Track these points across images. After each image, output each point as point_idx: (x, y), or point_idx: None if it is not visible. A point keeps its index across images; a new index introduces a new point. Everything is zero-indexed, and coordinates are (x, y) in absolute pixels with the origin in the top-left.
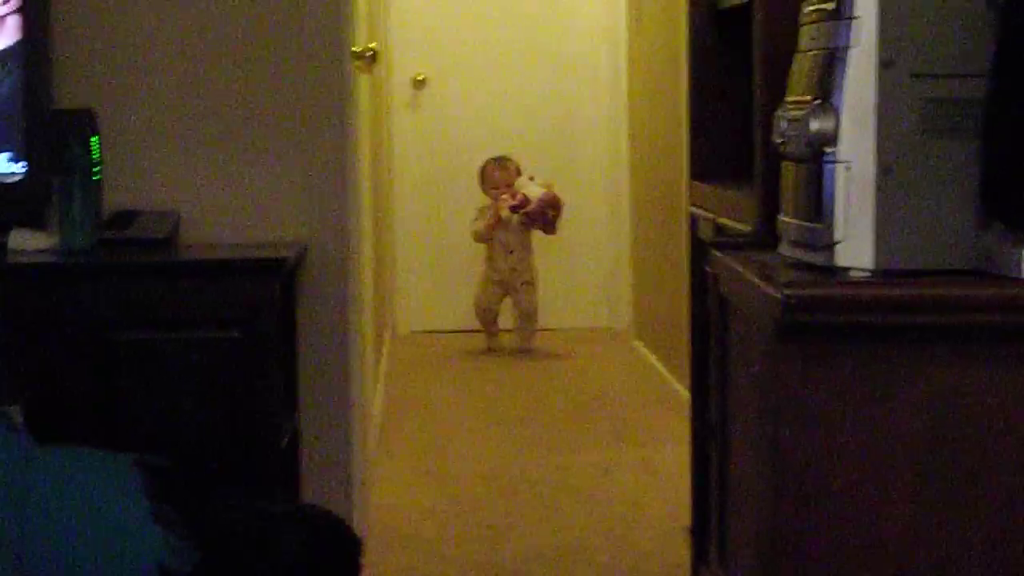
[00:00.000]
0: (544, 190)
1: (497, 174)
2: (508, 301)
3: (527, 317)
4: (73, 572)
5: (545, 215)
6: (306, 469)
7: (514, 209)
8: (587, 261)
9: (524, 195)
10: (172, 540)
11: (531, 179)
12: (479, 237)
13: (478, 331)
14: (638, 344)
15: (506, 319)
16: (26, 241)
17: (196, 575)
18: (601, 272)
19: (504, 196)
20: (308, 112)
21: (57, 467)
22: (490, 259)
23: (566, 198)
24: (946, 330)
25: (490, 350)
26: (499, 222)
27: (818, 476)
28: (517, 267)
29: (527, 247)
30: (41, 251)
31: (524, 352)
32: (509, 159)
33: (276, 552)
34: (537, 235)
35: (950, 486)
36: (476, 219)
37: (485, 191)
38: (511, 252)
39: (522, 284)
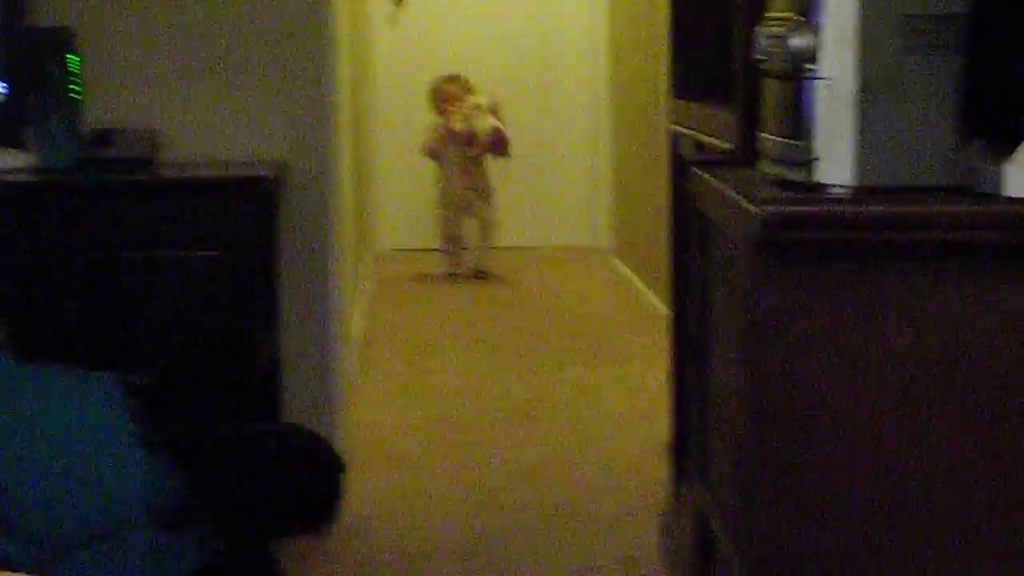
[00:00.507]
0: (492, 124)
1: (447, 86)
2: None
3: (486, 230)
4: (53, 487)
5: (495, 148)
6: (287, 387)
7: (466, 143)
8: (567, 180)
9: (472, 129)
10: (158, 468)
11: (478, 107)
12: (427, 149)
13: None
14: (618, 262)
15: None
16: (5, 160)
17: (182, 509)
18: (581, 191)
19: (452, 109)
20: (288, 30)
21: (39, 385)
22: (443, 179)
23: (545, 119)
24: (927, 246)
25: (453, 276)
26: (450, 135)
27: (800, 394)
28: (472, 184)
29: (479, 160)
30: (20, 170)
31: (480, 275)
32: (459, 75)
33: (261, 474)
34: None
35: (934, 402)
36: (427, 135)
37: (437, 106)
38: (466, 166)
39: (478, 197)
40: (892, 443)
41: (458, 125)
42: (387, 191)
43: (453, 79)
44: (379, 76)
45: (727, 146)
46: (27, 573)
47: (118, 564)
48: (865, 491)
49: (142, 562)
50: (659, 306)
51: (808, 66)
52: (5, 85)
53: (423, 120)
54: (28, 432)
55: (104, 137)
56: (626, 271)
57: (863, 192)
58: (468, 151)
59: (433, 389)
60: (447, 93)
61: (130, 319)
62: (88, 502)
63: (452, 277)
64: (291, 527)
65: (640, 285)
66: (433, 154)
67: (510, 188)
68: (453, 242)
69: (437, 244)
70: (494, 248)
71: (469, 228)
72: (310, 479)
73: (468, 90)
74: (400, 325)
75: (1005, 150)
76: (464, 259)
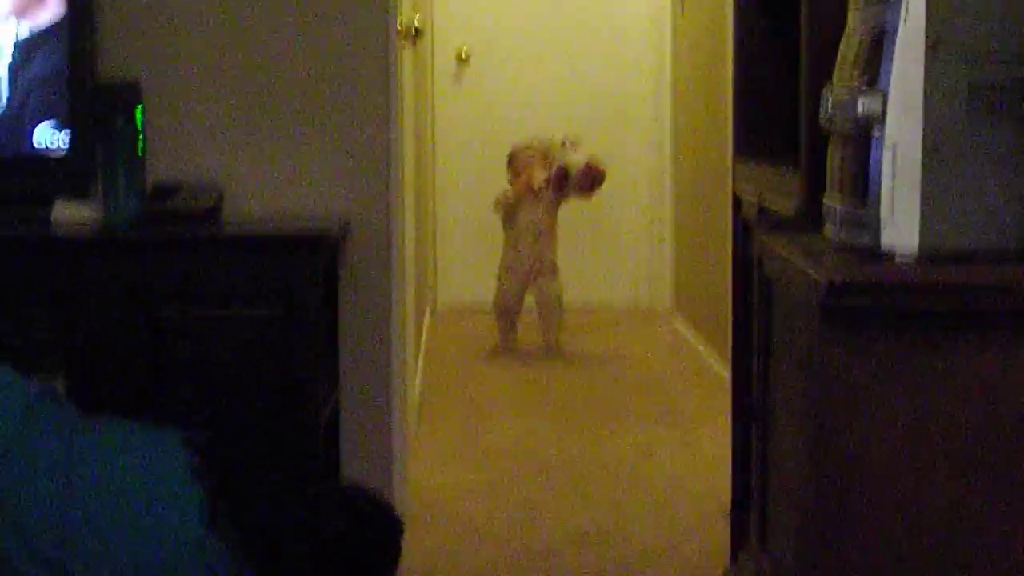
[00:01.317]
0: (583, 158)
1: (523, 153)
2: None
3: (554, 305)
4: (113, 545)
5: (590, 182)
6: (346, 446)
7: (555, 184)
8: (629, 239)
9: (562, 166)
10: (215, 540)
11: (564, 144)
12: (502, 205)
13: None
14: (679, 323)
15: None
16: (70, 213)
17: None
18: (642, 251)
19: (530, 170)
20: (352, 87)
21: (103, 439)
22: (512, 246)
23: (608, 177)
24: (992, 315)
25: (508, 351)
26: (529, 193)
27: (860, 461)
28: (544, 253)
29: (554, 232)
30: (84, 223)
31: (549, 350)
32: (535, 142)
33: (319, 536)
34: (566, 219)
35: (992, 473)
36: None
37: (513, 173)
38: (540, 235)
39: (549, 270)
40: (956, 515)
41: (537, 181)
42: (448, 249)
43: (529, 144)
44: (441, 132)
45: (791, 209)
46: None
47: None
48: (926, 563)
49: None
50: (720, 368)
51: (875, 128)
52: (69, 136)
53: (484, 176)
54: (91, 487)
55: (167, 191)
56: (686, 332)
57: (928, 257)
58: (548, 221)
59: (490, 450)
60: (523, 160)
61: (191, 375)
62: (144, 555)
63: (506, 352)
64: None
65: (700, 346)
66: (505, 212)
67: (571, 247)
68: (509, 316)
69: (497, 321)
70: (560, 322)
71: (528, 302)
72: (370, 542)
73: (545, 155)
74: (458, 385)
75: None
76: (517, 334)
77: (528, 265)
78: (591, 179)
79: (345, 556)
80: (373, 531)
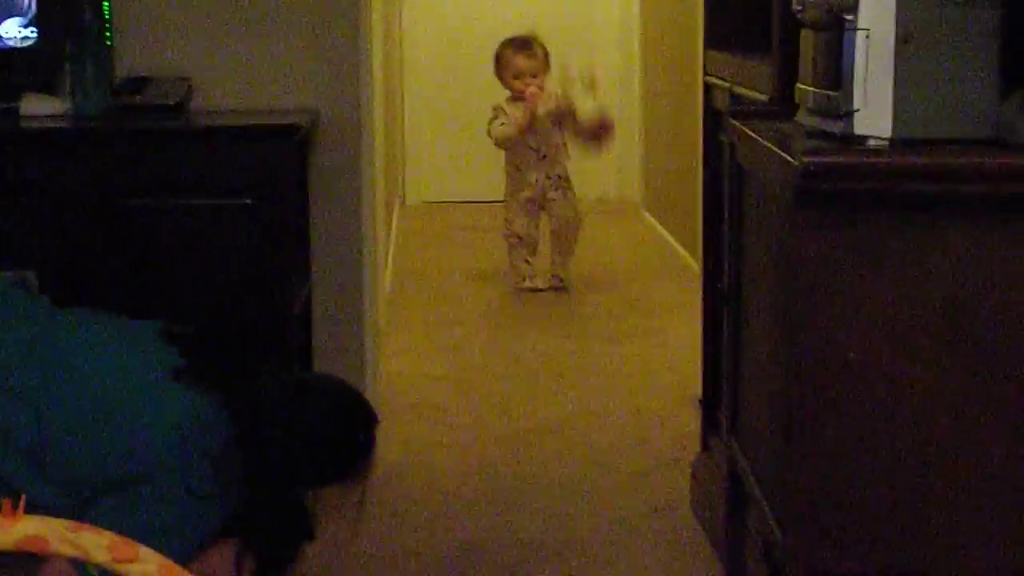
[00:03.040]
0: (597, 105)
1: (520, 61)
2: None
3: (570, 226)
4: (91, 429)
5: (596, 136)
6: (318, 336)
7: (557, 123)
8: None
9: (570, 107)
10: (198, 408)
11: (576, 78)
12: (505, 141)
13: (487, 202)
14: (648, 216)
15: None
16: (38, 106)
17: (228, 450)
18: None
19: (532, 89)
20: None
21: (79, 327)
22: (516, 171)
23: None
24: (964, 199)
25: (531, 291)
26: (529, 130)
27: (835, 346)
28: (552, 173)
29: (560, 146)
30: (53, 116)
31: (559, 286)
32: (536, 40)
33: (301, 426)
34: None
35: (969, 354)
36: (495, 119)
37: (504, 80)
38: (543, 156)
39: (557, 189)
40: (925, 394)
41: (542, 108)
42: (416, 143)
43: (525, 47)
44: (409, 25)
45: (763, 97)
46: (60, 518)
47: (148, 509)
48: (897, 442)
49: (172, 508)
50: (689, 259)
51: (847, 17)
52: (36, 31)
53: (453, 71)
54: (67, 376)
55: (136, 84)
56: (655, 224)
57: (901, 144)
58: (555, 136)
59: (460, 341)
60: (518, 68)
61: (161, 267)
62: (124, 446)
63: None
64: (324, 480)
65: (670, 238)
66: (510, 146)
67: None
68: (528, 248)
69: (508, 253)
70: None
71: (544, 227)
72: (346, 433)
73: (546, 64)
74: (427, 278)
75: None
76: (538, 268)
77: (536, 189)
78: (602, 135)
79: (322, 447)
80: (350, 424)
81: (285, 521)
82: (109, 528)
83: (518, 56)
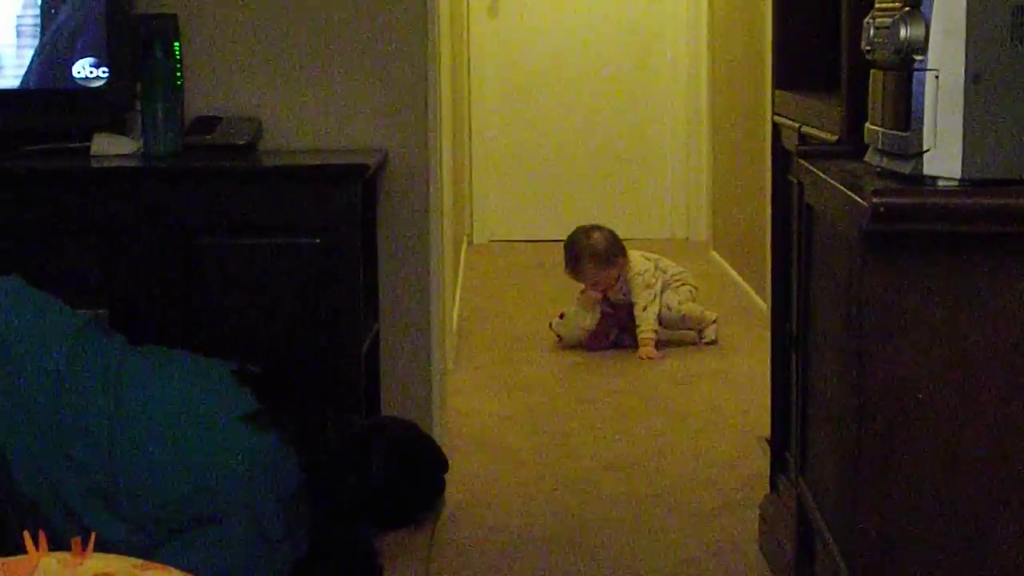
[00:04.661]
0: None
1: (585, 268)
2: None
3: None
4: (162, 468)
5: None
6: (386, 376)
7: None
8: (665, 171)
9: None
10: (269, 451)
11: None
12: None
13: (554, 241)
14: (716, 255)
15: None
16: (110, 146)
17: (298, 494)
18: (680, 184)
19: (591, 293)
20: (389, 19)
21: (154, 366)
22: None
23: (643, 108)
24: None
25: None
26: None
27: (903, 387)
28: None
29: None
30: (124, 156)
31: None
32: (596, 234)
33: (367, 468)
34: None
35: None
36: (577, 312)
37: (571, 273)
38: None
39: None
40: (998, 438)
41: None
42: (484, 183)
43: (575, 271)
44: (477, 65)
45: (832, 137)
46: (132, 556)
47: (216, 550)
48: (969, 487)
49: (241, 550)
50: (756, 299)
51: (916, 57)
52: (108, 71)
53: (520, 110)
54: (139, 414)
55: (207, 124)
56: (723, 264)
57: (971, 184)
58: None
59: (527, 380)
60: (582, 273)
61: (230, 307)
62: (195, 486)
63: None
64: (394, 523)
65: (737, 278)
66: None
67: (607, 179)
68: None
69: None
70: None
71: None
72: (416, 476)
73: (607, 262)
74: (494, 316)
75: None
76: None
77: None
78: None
79: (392, 491)
80: (420, 466)
81: (353, 565)
82: (177, 567)
83: (567, 271)
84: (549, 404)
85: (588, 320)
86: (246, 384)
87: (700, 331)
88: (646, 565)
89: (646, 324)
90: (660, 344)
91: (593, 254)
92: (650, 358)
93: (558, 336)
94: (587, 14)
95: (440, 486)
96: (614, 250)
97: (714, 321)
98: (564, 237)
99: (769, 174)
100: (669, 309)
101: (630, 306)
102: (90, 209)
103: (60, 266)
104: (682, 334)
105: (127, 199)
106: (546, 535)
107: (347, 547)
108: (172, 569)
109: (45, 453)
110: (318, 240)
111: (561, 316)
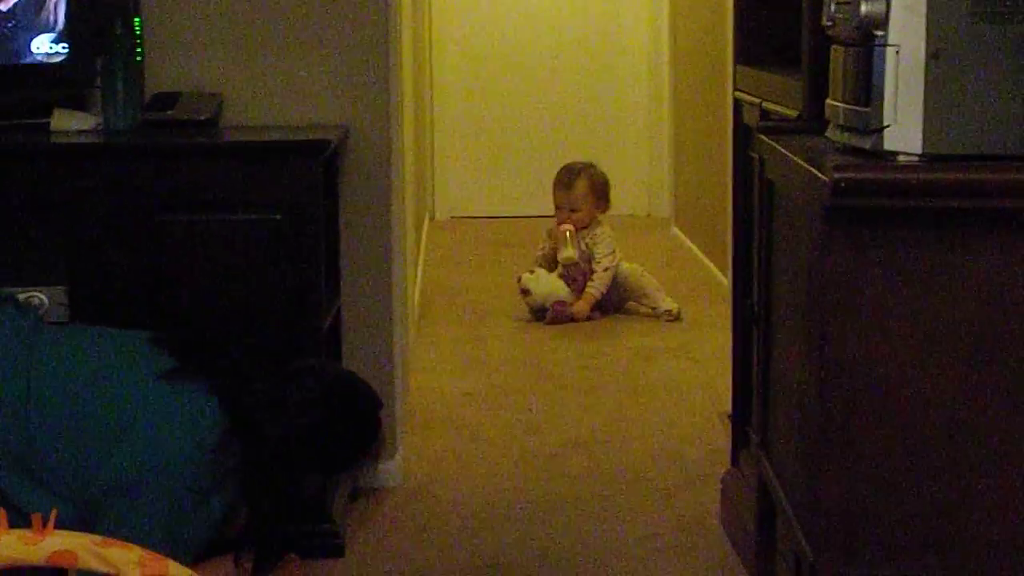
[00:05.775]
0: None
1: (559, 196)
2: None
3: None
4: (81, 436)
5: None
6: (348, 352)
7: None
8: (627, 148)
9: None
10: (187, 401)
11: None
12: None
13: (516, 217)
14: (678, 231)
15: None
16: (69, 121)
17: (225, 442)
18: (642, 159)
19: (566, 226)
20: None
21: (65, 340)
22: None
23: (605, 85)
24: (994, 214)
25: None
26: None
27: (865, 363)
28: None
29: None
30: (84, 131)
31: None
32: (584, 172)
33: (294, 410)
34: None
35: (998, 372)
36: (546, 244)
37: (562, 200)
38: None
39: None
40: (956, 411)
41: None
42: (445, 159)
43: (565, 185)
44: (439, 41)
45: (793, 113)
46: (72, 530)
47: (151, 510)
48: (927, 458)
49: (174, 506)
50: (718, 275)
51: (877, 32)
52: (67, 46)
53: (482, 87)
54: (52, 386)
55: (167, 99)
56: (685, 240)
57: (931, 159)
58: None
59: (490, 357)
60: (557, 200)
61: (190, 283)
62: (118, 449)
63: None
64: (335, 466)
65: (699, 254)
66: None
67: (569, 155)
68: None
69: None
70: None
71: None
72: (350, 415)
73: (591, 196)
74: (456, 292)
75: None
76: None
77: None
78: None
79: (324, 431)
80: (352, 405)
81: (291, 507)
82: (118, 535)
83: (556, 190)
84: (512, 380)
85: (570, 251)
86: (163, 347)
87: (654, 308)
88: (608, 541)
89: (599, 282)
90: (617, 314)
91: (592, 177)
92: (582, 317)
93: (524, 291)
94: None
95: (375, 427)
96: (607, 192)
97: (675, 312)
98: (526, 214)
99: (731, 150)
100: (633, 273)
101: (584, 273)
102: (50, 185)
103: (20, 242)
104: (640, 307)
105: (87, 175)
106: (507, 512)
107: (281, 491)
108: (133, 546)
109: None
110: (279, 216)
111: (532, 272)
